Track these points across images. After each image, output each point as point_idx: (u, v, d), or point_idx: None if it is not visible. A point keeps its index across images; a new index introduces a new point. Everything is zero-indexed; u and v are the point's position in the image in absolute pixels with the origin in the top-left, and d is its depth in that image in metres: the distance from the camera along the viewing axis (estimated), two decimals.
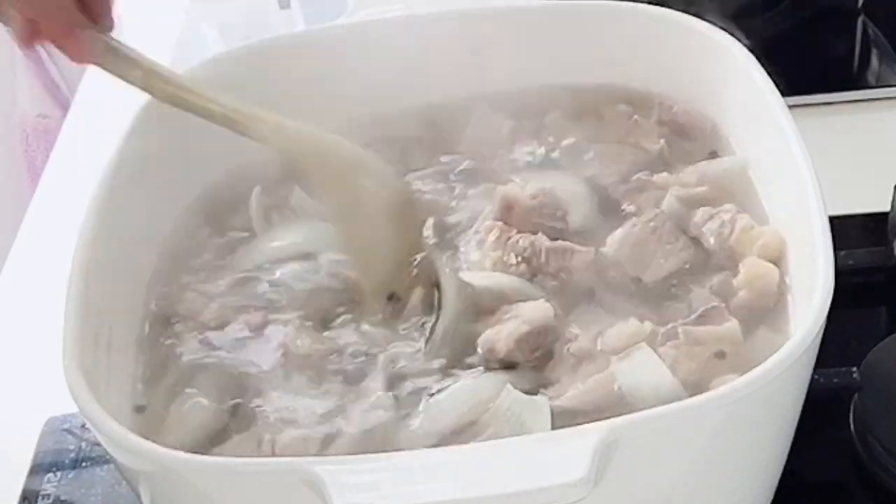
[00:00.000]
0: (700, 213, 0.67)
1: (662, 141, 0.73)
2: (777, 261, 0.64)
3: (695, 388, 0.58)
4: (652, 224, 0.67)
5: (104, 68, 0.66)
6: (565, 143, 0.75)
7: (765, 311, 0.62)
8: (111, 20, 0.66)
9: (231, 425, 0.61)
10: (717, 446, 0.54)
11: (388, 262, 0.68)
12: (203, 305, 0.68)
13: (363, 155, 0.70)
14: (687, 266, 0.65)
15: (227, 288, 0.69)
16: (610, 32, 0.76)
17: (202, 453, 0.58)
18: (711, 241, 0.66)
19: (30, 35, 0.65)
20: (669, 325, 0.62)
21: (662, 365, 0.59)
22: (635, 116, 0.75)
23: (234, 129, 0.68)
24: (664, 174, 0.71)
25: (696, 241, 0.67)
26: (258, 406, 0.61)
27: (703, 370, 0.59)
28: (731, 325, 0.61)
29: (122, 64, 0.66)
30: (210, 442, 0.60)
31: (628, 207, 0.70)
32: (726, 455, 0.55)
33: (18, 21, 0.64)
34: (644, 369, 0.59)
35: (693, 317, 0.62)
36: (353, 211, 0.69)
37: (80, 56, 0.66)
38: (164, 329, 0.67)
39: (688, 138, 0.74)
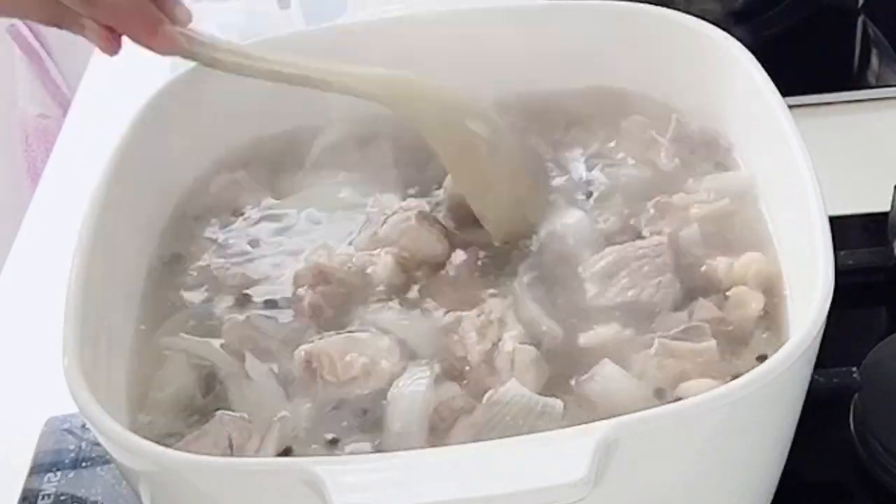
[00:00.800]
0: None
1: (677, 160, 0.73)
2: (771, 285, 0.63)
3: (658, 395, 0.59)
4: (642, 251, 0.66)
5: (186, 57, 0.70)
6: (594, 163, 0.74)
7: (743, 337, 0.62)
8: (186, 11, 0.70)
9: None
10: (718, 446, 0.54)
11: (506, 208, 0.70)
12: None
13: (462, 96, 0.71)
14: (651, 301, 0.64)
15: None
16: (609, 32, 0.76)
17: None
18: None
19: (110, 40, 0.68)
20: (648, 335, 0.61)
21: (628, 376, 0.60)
22: (651, 132, 0.75)
23: (315, 87, 0.70)
24: (681, 194, 0.70)
25: (684, 278, 0.65)
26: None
27: (668, 381, 0.59)
28: (709, 344, 0.60)
29: (201, 50, 0.70)
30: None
31: (645, 232, 0.68)
32: (726, 455, 0.55)
33: (96, 30, 0.67)
34: (611, 383, 0.60)
35: (674, 331, 0.61)
36: (463, 155, 0.70)
37: (168, 50, 0.69)
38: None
39: (696, 151, 0.73)
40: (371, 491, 0.49)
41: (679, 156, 0.73)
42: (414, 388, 0.60)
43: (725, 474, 0.57)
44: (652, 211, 0.69)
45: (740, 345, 0.61)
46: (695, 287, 0.65)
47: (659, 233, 0.67)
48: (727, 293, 0.63)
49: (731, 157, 0.72)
